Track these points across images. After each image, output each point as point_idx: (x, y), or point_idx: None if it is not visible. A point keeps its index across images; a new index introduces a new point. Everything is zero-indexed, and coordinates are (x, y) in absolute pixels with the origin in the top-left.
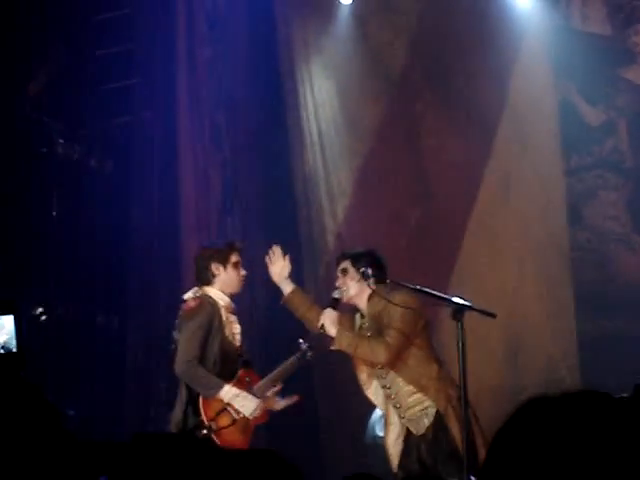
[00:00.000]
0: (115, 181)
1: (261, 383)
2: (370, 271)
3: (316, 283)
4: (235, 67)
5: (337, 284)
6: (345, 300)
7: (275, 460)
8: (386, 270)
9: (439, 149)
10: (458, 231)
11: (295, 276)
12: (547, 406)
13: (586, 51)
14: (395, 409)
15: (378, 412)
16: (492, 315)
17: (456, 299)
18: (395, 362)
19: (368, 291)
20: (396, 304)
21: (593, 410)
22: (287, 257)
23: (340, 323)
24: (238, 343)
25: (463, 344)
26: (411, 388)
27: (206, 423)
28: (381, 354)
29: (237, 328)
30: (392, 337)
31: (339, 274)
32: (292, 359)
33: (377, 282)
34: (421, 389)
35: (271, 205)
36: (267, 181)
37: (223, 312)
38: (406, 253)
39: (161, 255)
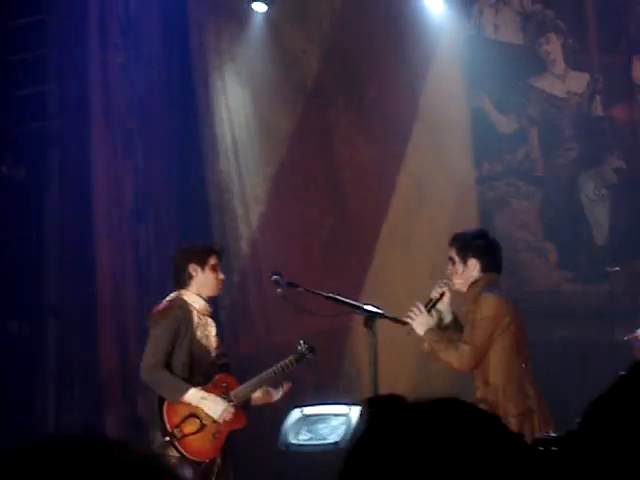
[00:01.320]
0: (27, 188)
1: (240, 388)
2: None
3: (230, 290)
4: (148, 73)
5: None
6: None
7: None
8: (498, 259)
9: (352, 157)
10: (371, 238)
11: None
12: (400, 415)
13: (498, 60)
14: None
15: (292, 419)
16: (404, 323)
17: (369, 307)
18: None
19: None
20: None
21: (445, 418)
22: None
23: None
24: (214, 346)
25: (375, 351)
26: None
27: (169, 429)
28: (457, 364)
29: (212, 331)
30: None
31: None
32: (283, 362)
33: (485, 272)
34: None
35: (184, 212)
36: (180, 188)
37: (195, 315)
38: (320, 260)
39: (73, 261)
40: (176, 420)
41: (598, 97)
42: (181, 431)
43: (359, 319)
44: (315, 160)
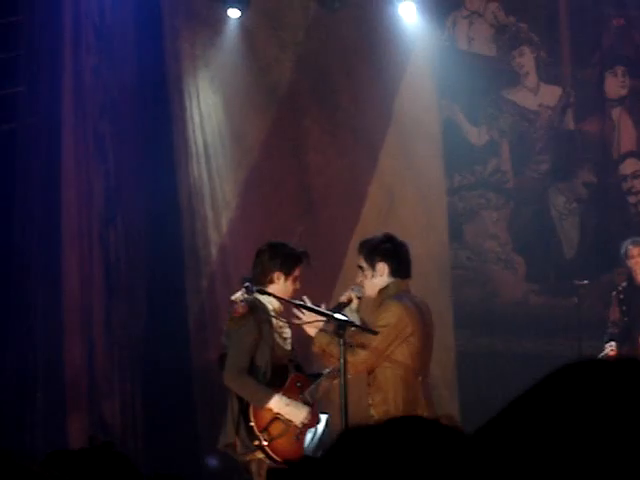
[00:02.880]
0: None
1: (313, 386)
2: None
3: (199, 295)
4: (121, 76)
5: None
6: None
7: None
8: (407, 262)
9: (324, 165)
10: (341, 247)
11: (178, 287)
12: (359, 436)
13: (471, 71)
14: None
15: None
16: (374, 332)
17: (338, 315)
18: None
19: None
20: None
21: (404, 438)
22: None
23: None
24: (289, 347)
25: (345, 360)
26: None
27: (257, 433)
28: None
29: (288, 332)
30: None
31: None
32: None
33: (395, 276)
34: None
35: (155, 216)
36: (151, 192)
37: (271, 316)
38: None
39: (42, 264)
40: (263, 424)
41: (570, 111)
42: (270, 434)
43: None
44: (286, 167)
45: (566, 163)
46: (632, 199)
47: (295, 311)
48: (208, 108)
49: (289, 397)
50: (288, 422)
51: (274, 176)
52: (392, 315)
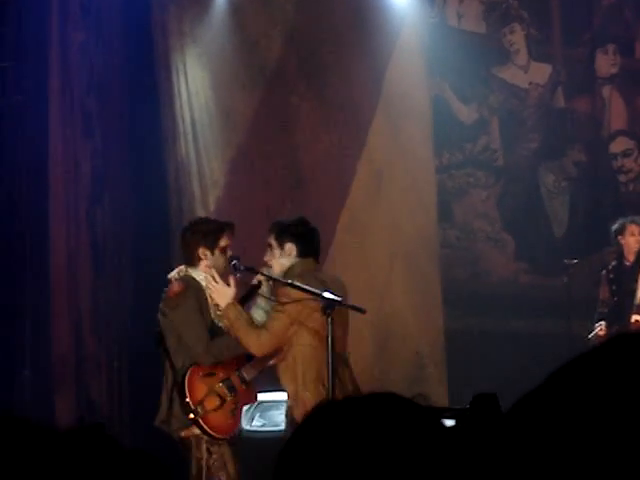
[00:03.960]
0: None
1: (250, 364)
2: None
3: None
4: (108, 53)
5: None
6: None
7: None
8: (316, 244)
9: (313, 142)
10: (330, 225)
11: (165, 266)
12: (332, 412)
13: (461, 49)
14: None
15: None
16: (361, 310)
17: (326, 294)
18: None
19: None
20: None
21: (377, 415)
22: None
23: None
24: (222, 323)
25: (333, 338)
26: None
27: (192, 406)
28: (253, 348)
29: None
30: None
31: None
32: None
33: (301, 257)
34: None
35: (142, 195)
36: (138, 170)
37: (208, 294)
38: None
39: (28, 244)
40: (198, 398)
41: (560, 89)
42: (204, 408)
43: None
44: (275, 145)
45: (556, 141)
46: (622, 178)
47: (207, 279)
48: (196, 85)
49: (224, 375)
50: (225, 395)
51: (262, 153)
52: (288, 296)
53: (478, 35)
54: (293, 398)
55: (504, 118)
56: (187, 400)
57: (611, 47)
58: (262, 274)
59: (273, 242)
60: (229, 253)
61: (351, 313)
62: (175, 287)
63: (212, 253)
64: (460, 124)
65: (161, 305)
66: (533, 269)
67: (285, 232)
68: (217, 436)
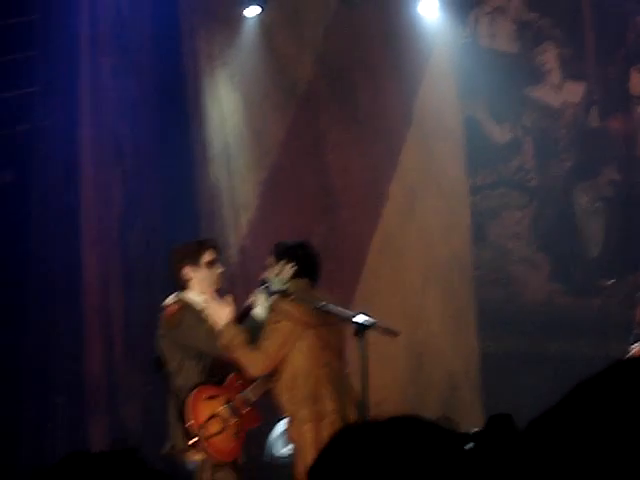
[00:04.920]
0: (13, 191)
1: (254, 385)
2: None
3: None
4: (138, 77)
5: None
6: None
7: None
8: (315, 268)
9: (345, 164)
10: (363, 248)
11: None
12: (356, 435)
13: (493, 69)
14: None
15: (278, 430)
16: (395, 333)
17: (359, 317)
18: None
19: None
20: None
21: (399, 438)
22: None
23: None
24: None
25: (365, 362)
26: None
27: (195, 430)
28: (250, 369)
29: None
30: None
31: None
32: None
33: (297, 278)
34: None
35: (173, 218)
36: (169, 194)
37: (204, 316)
38: None
39: (61, 270)
40: (200, 421)
41: (594, 108)
42: (207, 431)
43: (349, 329)
44: (306, 167)
45: (590, 161)
46: None
47: (205, 299)
48: (227, 107)
49: (227, 397)
50: (228, 419)
51: (294, 176)
52: (280, 315)
53: (510, 55)
54: (290, 416)
55: (537, 138)
56: (189, 424)
57: None
58: (293, 295)
59: (272, 261)
60: (218, 271)
61: (385, 337)
62: (172, 308)
63: (198, 270)
64: (493, 144)
65: (159, 331)
66: (568, 290)
67: (285, 253)
68: (220, 460)
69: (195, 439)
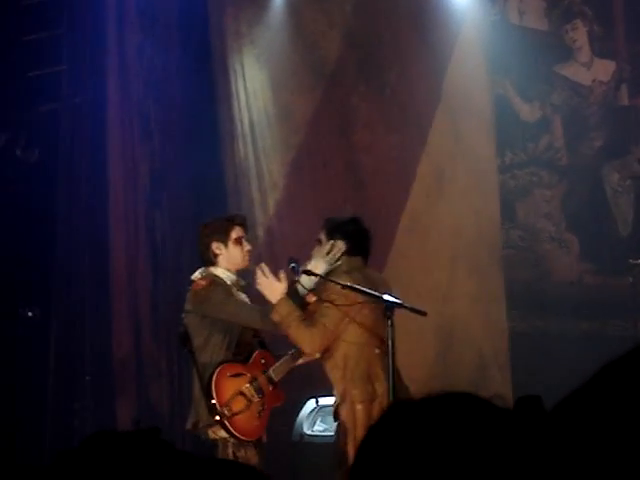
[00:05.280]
0: (40, 170)
1: (278, 364)
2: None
3: (246, 277)
4: (165, 55)
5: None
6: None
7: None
8: (366, 244)
9: (373, 143)
10: (391, 227)
11: None
12: (409, 411)
13: (522, 46)
14: None
15: (307, 409)
16: (423, 313)
17: (387, 296)
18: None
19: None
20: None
21: (454, 414)
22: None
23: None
24: None
25: (393, 341)
26: None
27: (219, 408)
28: (307, 347)
29: None
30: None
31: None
32: None
33: (349, 255)
34: None
35: (200, 197)
36: (197, 173)
37: (234, 291)
38: None
39: (88, 249)
40: (225, 399)
41: (624, 86)
42: (230, 410)
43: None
44: (334, 146)
45: (620, 139)
46: None
47: (258, 274)
48: (254, 86)
49: (252, 376)
50: (252, 397)
51: (322, 155)
52: (336, 292)
53: (540, 32)
54: (341, 396)
55: (567, 116)
56: (213, 401)
57: None
58: (322, 277)
59: (323, 238)
60: (247, 247)
61: (414, 316)
62: (201, 282)
63: (226, 246)
64: (522, 123)
65: (186, 305)
66: (598, 269)
67: (337, 229)
68: (243, 438)
69: (218, 417)
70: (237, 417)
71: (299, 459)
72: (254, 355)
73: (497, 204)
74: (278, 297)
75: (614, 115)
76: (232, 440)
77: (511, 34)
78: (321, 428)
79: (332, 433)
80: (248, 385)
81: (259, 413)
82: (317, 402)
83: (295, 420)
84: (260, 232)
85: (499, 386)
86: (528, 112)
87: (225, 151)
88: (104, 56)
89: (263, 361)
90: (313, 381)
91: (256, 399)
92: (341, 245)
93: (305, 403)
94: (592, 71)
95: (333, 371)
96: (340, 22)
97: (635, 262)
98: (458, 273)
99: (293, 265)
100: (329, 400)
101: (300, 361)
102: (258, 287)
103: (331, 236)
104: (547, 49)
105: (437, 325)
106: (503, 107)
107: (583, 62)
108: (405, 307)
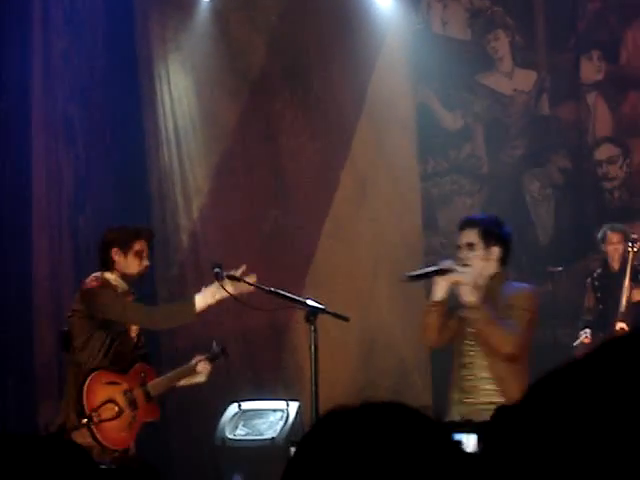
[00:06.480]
0: None
1: (157, 380)
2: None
3: (169, 283)
4: (91, 60)
5: (460, 256)
6: (466, 281)
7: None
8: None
9: (297, 150)
10: (314, 233)
11: (147, 275)
12: (343, 419)
13: (445, 56)
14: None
15: (229, 414)
16: (345, 319)
17: (310, 302)
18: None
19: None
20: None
21: (387, 423)
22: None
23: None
24: (134, 334)
25: (316, 347)
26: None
27: (86, 411)
28: (508, 345)
29: None
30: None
31: (462, 246)
32: (197, 359)
33: (502, 265)
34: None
35: (124, 202)
36: (121, 178)
37: (121, 296)
38: (261, 253)
39: (10, 253)
40: (94, 404)
41: (545, 96)
42: (99, 416)
43: (300, 314)
44: (259, 152)
45: (541, 148)
46: (607, 185)
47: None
48: (179, 92)
49: (127, 386)
50: (124, 406)
51: (246, 161)
52: (530, 302)
53: (462, 42)
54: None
55: (489, 125)
56: (82, 403)
57: (596, 53)
58: (245, 282)
59: (476, 240)
60: (145, 263)
61: (337, 322)
62: (92, 283)
63: (125, 256)
64: (444, 131)
65: (74, 304)
66: (518, 276)
67: (492, 232)
68: (108, 446)
69: (86, 419)
70: (105, 424)
71: (221, 463)
72: (135, 367)
73: (419, 211)
74: (474, 298)
75: (535, 124)
76: (96, 448)
77: (434, 43)
78: (243, 432)
79: (255, 437)
80: (121, 395)
81: (129, 424)
82: (240, 407)
83: (217, 424)
84: (184, 236)
85: (420, 392)
86: (450, 121)
87: (150, 156)
88: (29, 61)
89: (143, 375)
90: (238, 384)
91: (127, 410)
92: (497, 252)
93: (227, 408)
94: (513, 81)
95: (507, 388)
96: (265, 29)
97: (554, 269)
98: (380, 280)
99: (217, 270)
100: (252, 405)
101: (183, 382)
102: (458, 276)
103: (487, 240)
104: (469, 59)
105: (359, 330)
106: (426, 115)
107: (505, 72)
108: (328, 312)
